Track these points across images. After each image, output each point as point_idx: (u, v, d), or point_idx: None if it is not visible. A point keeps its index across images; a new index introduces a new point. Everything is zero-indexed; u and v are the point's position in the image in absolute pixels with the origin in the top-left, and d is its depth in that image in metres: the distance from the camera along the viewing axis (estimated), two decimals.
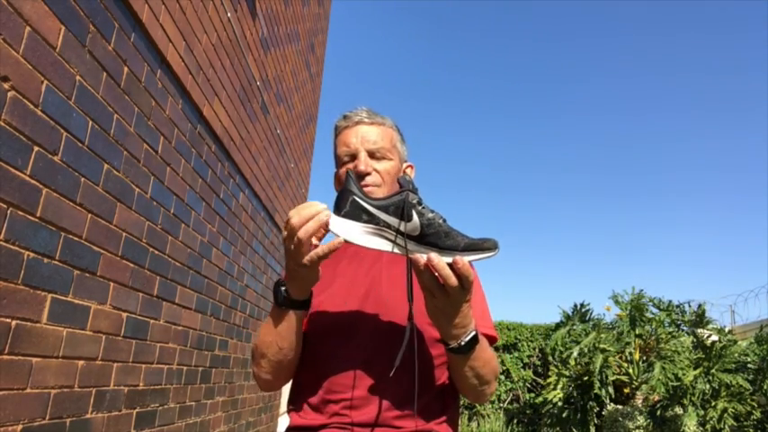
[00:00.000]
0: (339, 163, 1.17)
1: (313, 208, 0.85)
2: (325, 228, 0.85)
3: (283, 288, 0.95)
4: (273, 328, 0.99)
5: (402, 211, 0.83)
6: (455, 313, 0.89)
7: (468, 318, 0.93)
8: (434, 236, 0.84)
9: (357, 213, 0.85)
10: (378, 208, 0.84)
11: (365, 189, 1.09)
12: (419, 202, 0.85)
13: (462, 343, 0.93)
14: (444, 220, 0.86)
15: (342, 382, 1.01)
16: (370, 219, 0.85)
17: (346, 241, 0.85)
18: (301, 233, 0.84)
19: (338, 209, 0.86)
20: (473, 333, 0.94)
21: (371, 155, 1.13)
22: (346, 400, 1.00)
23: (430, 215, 0.85)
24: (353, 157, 1.14)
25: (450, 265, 0.83)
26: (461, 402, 8.44)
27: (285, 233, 0.87)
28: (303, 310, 0.98)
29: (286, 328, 0.98)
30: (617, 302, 4.97)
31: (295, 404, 1.08)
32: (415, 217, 0.84)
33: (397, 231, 0.84)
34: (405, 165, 1.22)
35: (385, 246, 0.85)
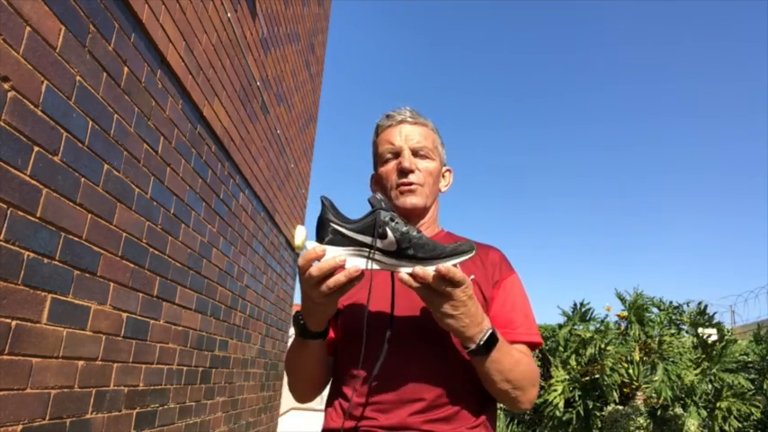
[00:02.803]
0: (381, 161, 1.17)
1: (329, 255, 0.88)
2: (337, 267, 0.87)
3: (302, 322, 0.98)
4: (298, 355, 1.05)
5: (374, 230, 0.87)
6: (462, 314, 0.90)
7: (480, 316, 0.93)
8: (411, 248, 0.87)
9: (337, 239, 0.89)
10: (354, 231, 0.88)
11: (410, 188, 1.11)
12: (392, 219, 0.88)
13: (481, 342, 0.92)
14: (419, 232, 0.89)
15: (372, 386, 1.01)
16: (350, 242, 0.88)
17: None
18: (314, 270, 0.87)
19: (320, 238, 0.89)
20: (490, 331, 0.94)
21: (414, 153, 1.14)
22: (375, 404, 1.01)
23: (404, 229, 0.88)
24: (397, 154, 1.14)
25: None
26: None
27: (302, 275, 0.90)
28: (322, 339, 1.02)
29: (309, 355, 1.04)
30: (621, 300, 4.95)
31: (330, 405, 1.10)
32: (390, 233, 0.87)
33: (374, 248, 0.88)
34: (444, 168, 1.22)
35: (364, 265, 0.88)
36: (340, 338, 1.11)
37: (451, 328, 0.92)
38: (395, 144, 1.14)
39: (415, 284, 0.89)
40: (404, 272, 0.88)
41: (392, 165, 1.14)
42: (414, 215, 1.14)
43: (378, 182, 1.20)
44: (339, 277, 0.86)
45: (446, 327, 0.92)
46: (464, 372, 1.04)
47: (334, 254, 0.87)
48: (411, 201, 1.12)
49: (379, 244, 0.87)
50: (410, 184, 1.12)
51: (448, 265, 0.86)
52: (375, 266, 0.88)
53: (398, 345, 1.00)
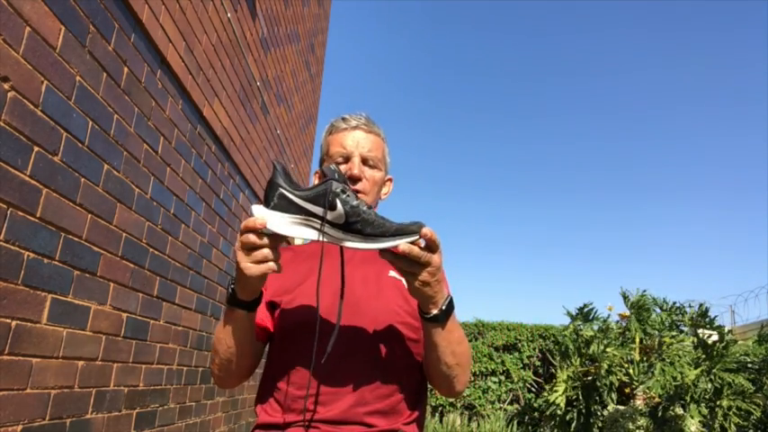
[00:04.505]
0: (330, 161, 1.20)
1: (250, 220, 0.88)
2: (259, 228, 0.87)
3: (232, 287, 0.97)
4: (224, 326, 1.02)
5: (328, 202, 0.85)
6: (437, 280, 0.92)
7: (442, 280, 0.95)
8: (359, 223, 0.86)
9: (284, 205, 0.86)
10: (303, 198, 0.86)
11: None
12: (343, 191, 0.87)
13: (443, 307, 0.96)
14: (369, 207, 0.88)
15: (311, 378, 1.02)
16: (297, 209, 0.86)
17: (275, 233, 0.87)
18: (242, 238, 0.88)
19: (267, 202, 0.87)
20: (450, 297, 0.98)
21: (364, 161, 1.18)
22: (314, 396, 1.01)
23: (354, 203, 0.86)
24: (347, 159, 1.17)
25: (415, 243, 0.87)
26: (461, 403, 8.33)
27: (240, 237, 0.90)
28: (250, 311, 1.00)
29: (234, 326, 1.00)
30: (625, 299, 4.95)
31: (263, 400, 1.09)
32: (339, 205, 0.85)
33: (322, 220, 0.86)
34: (386, 177, 1.26)
35: (311, 235, 0.86)
36: (278, 330, 1.11)
37: (425, 296, 0.93)
38: (347, 149, 1.17)
39: (396, 258, 0.89)
40: (383, 247, 0.86)
41: (341, 168, 1.16)
42: None
43: (321, 178, 1.22)
44: (265, 253, 0.87)
45: (421, 295, 0.94)
46: (403, 367, 1.07)
47: (278, 221, 0.85)
48: None
49: (327, 215, 0.85)
50: (356, 191, 1.14)
51: (429, 230, 0.86)
52: (322, 238, 0.87)
53: (339, 339, 1.01)
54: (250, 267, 0.88)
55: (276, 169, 0.88)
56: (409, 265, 0.89)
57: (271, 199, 0.86)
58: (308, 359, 1.02)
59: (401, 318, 1.08)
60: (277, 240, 0.89)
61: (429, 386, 1.16)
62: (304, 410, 1.01)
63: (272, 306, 1.13)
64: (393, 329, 1.07)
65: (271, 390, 1.08)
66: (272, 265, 0.88)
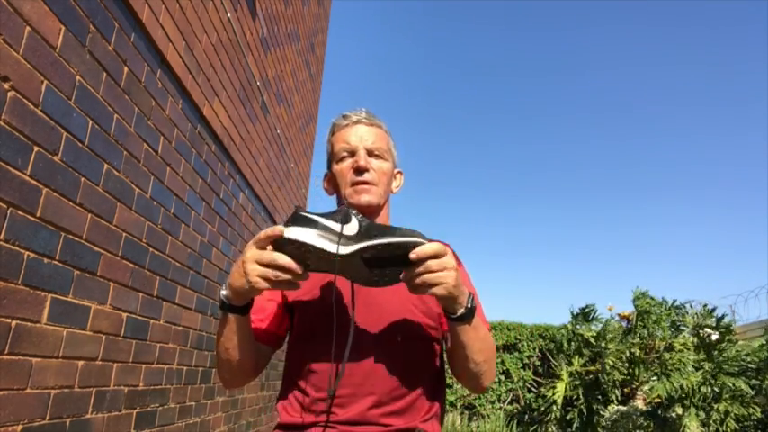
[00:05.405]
0: (336, 159, 1.19)
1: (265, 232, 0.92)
2: (275, 238, 0.91)
3: (224, 293, 0.98)
4: (220, 330, 1.03)
5: (343, 217, 0.95)
6: (460, 281, 0.93)
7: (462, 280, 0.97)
8: (371, 230, 0.93)
9: (309, 223, 0.94)
10: (324, 216, 0.95)
11: (365, 186, 1.14)
12: (357, 213, 0.96)
13: (469, 305, 0.96)
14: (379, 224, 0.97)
15: (329, 380, 1.02)
16: (315, 225, 0.94)
17: (297, 241, 0.91)
18: (255, 240, 0.91)
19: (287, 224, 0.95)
20: (471, 293, 0.99)
21: (369, 153, 1.17)
22: (333, 398, 1.02)
23: (367, 221, 0.95)
24: (352, 153, 1.16)
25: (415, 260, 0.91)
26: (461, 403, 8.32)
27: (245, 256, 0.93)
28: (243, 315, 1.00)
29: (229, 330, 1.01)
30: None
31: (284, 400, 1.10)
32: (354, 220, 0.94)
33: (340, 234, 0.93)
34: (395, 170, 1.25)
35: (327, 245, 0.92)
36: (295, 333, 1.12)
37: (452, 297, 0.93)
38: (350, 143, 1.16)
39: (414, 274, 0.92)
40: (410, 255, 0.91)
41: (348, 163, 1.16)
42: (368, 213, 1.15)
43: (331, 180, 1.22)
44: (280, 274, 0.90)
45: (446, 298, 0.94)
46: (419, 365, 1.08)
47: (303, 233, 0.91)
48: (366, 198, 1.14)
49: (345, 230, 0.92)
50: (365, 182, 1.14)
51: (426, 247, 0.91)
52: (340, 249, 0.91)
53: (356, 340, 1.02)
54: (259, 282, 0.90)
55: (298, 206, 0.97)
56: (428, 277, 0.91)
57: (299, 222, 0.94)
58: (326, 361, 1.03)
59: (418, 318, 1.08)
60: (300, 277, 0.92)
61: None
62: (327, 412, 1.02)
63: (290, 309, 1.14)
64: (410, 329, 1.07)
65: (291, 390, 1.09)
66: (282, 285, 0.92)
